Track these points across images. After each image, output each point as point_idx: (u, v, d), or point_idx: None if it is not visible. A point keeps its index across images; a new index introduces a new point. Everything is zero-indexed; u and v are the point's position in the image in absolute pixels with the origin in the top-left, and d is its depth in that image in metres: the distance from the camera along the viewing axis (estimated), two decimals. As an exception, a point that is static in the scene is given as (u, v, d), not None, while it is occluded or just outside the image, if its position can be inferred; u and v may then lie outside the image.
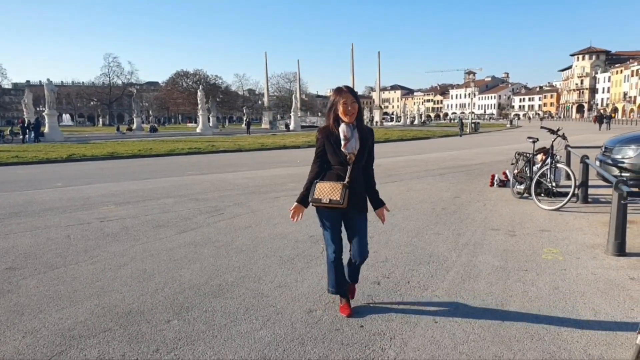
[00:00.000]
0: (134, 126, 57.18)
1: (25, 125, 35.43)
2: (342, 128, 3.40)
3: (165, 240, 6.12)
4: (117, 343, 3.30)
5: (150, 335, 3.42)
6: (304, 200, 3.51)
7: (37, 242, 6.10)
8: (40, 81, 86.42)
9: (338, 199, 3.36)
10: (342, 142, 3.38)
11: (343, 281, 3.73)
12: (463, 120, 46.47)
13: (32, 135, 34.23)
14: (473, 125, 49.69)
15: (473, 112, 60.17)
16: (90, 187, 11.33)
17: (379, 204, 3.64)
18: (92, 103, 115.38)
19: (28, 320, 3.71)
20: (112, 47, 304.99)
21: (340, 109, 3.37)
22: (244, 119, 68.30)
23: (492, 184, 10.36)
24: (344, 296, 3.77)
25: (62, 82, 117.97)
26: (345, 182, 3.40)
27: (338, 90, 3.45)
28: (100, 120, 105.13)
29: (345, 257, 3.73)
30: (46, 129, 36.24)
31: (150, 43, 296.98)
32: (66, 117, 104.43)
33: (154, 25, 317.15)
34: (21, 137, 34.35)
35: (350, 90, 3.44)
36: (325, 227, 3.60)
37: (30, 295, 4.25)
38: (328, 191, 3.42)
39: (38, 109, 52.63)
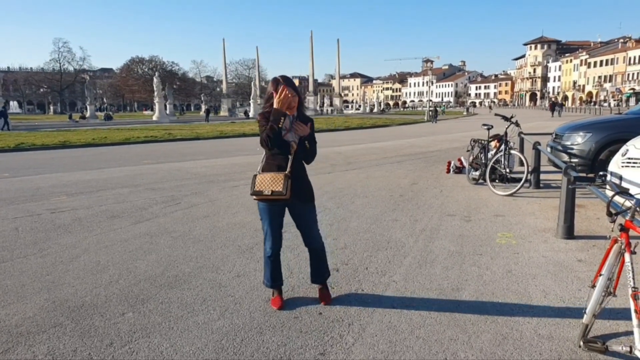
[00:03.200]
0: (88, 114, 55.13)
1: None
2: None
3: (119, 231, 5.95)
4: (68, 338, 3.19)
5: (104, 328, 3.32)
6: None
7: (-18, 235, 5.81)
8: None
9: (280, 189, 3.27)
10: (283, 132, 3.31)
11: (278, 276, 3.70)
12: (437, 109, 50.85)
13: (3, 122, 32.52)
14: (431, 113, 50.51)
15: (431, 100, 61.20)
16: (41, 177, 10.87)
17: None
18: (41, 90, 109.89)
19: (-29, 318, 3.52)
20: (62, 31, 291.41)
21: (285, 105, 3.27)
22: (203, 106, 66.97)
23: (448, 171, 10.58)
24: (276, 289, 3.73)
25: (8, 67, 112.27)
26: (287, 172, 3.32)
27: (276, 82, 3.35)
28: (51, 108, 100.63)
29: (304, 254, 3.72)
30: (-9, 117, 34.36)
31: (104, 28, 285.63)
32: (14, 105, 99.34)
33: (107, 10, 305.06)
34: None
35: (288, 82, 3.34)
36: (265, 221, 3.52)
37: (-27, 291, 4.04)
38: (269, 182, 3.32)
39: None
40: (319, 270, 3.75)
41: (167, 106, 55.90)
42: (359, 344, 3.09)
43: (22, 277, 4.37)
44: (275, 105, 3.25)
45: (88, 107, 55.58)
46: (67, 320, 3.45)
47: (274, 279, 3.67)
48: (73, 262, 4.76)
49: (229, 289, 4.02)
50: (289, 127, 3.33)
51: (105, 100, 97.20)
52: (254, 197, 3.41)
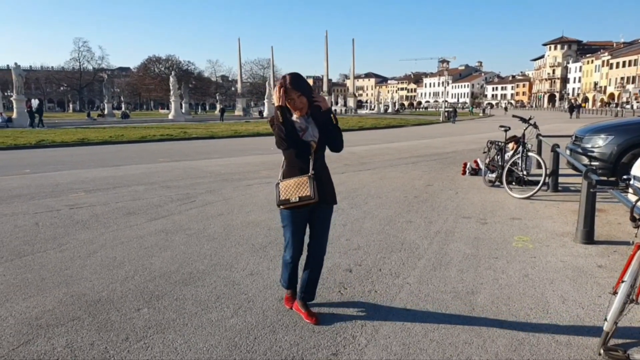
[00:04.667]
0: (105, 112, 55.91)
1: (34, 110, 34.49)
2: (295, 119, 3.18)
3: (135, 227, 6.01)
4: (85, 332, 3.24)
5: (120, 323, 3.36)
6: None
7: (4, 229, 5.92)
8: (7, 65, 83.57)
9: (308, 194, 3.09)
10: (299, 133, 3.16)
11: (295, 278, 3.56)
12: (456, 109, 52.53)
13: (38, 119, 33.77)
14: (446, 114, 50.11)
15: (446, 101, 60.76)
16: (60, 173, 11.03)
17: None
18: (62, 88, 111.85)
19: (-7, 310, 3.60)
20: (82, 31, 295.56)
21: (289, 104, 3.14)
22: (217, 105, 67.40)
23: (464, 172, 10.49)
24: (292, 289, 3.61)
25: (30, 66, 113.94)
26: (310, 174, 3.14)
27: (283, 79, 3.16)
28: (71, 106, 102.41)
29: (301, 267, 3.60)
30: (14, 115, 35.11)
31: (122, 27, 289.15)
32: (35, 103, 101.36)
33: (125, 9, 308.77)
34: (29, 121, 33.44)
35: (295, 83, 3.11)
36: (289, 228, 3.29)
37: (-6, 284, 4.13)
38: (294, 188, 3.13)
39: (6, 93, 50.80)
40: (314, 284, 3.49)
41: (183, 105, 56.35)
42: (371, 345, 3.07)
43: (42, 270, 4.44)
44: (275, 103, 3.13)
45: (106, 105, 56.36)
46: (85, 314, 3.50)
47: (291, 280, 3.57)
48: (90, 258, 4.83)
49: (243, 287, 4.03)
50: (304, 127, 3.19)
51: (122, 98, 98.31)
52: (281, 206, 3.22)
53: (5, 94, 50.64)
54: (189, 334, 3.22)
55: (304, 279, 3.46)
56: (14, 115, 35.00)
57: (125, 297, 3.82)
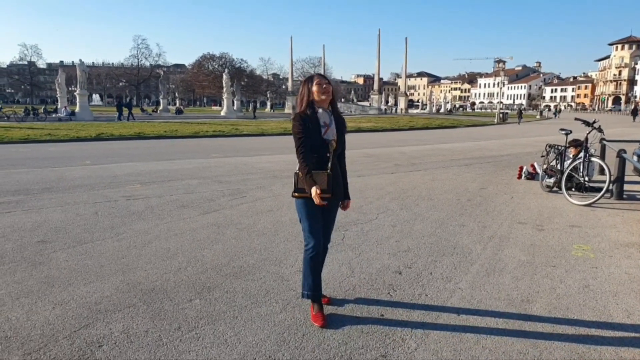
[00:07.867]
0: (161, 107, 57.87)
1: (124, 103, 37.28)
2: (320, 114, 3.26)
3: (188, 220, 6.17)
4: (140, 319, 3.35)
5: (173, 313, 3.45)
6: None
7: (67, 217, 6.24)
8: (73, 62, 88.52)
9: (325, 187, 3.20)
10: (322, 130, 3.24)
11: (320, 283, 3.44)
12: (521, 110, 51.10)
13: (128, 113, 37.41)
14: (501, 115, 48.58)
15: (502, 102, 58.80)
16: (118, 165, 11.52)
17: (347, 196, 3.55)
18: (120, 84, 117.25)
19: (58, 292, 3.80)
20: (141, 29, 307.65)
21: (315, 89, 3.25)
22: (268, 103, 68.15)
23: (519, 177, 10.12)
24: (318, 302, 3.44)
25: (93, 62, 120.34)
26: (329, 171, 3.25)
27: (309, 77, 3.36)
28: (128, 100, 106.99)
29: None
30: (77, 108, 37.00)
31: (178, 25, 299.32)
32: (96, 97, 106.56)
33: (182, 8, 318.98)
34: (117, 114, 36.65)
35: (322, 75, 3.37)
36: (306, 217, 3.32)
37: (60, 268, 4.36)
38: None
39: (70, 88, 53.69)
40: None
41: (235, 102, 57.43)
42: (421, 349, 3.01)
43: (100, 258, 4.64)
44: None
45: (161, 100, 58.35)
46: (140, 302, 3.63)
47: (317, 287, 3.40)
48: (145, 248, 5.00)
49: (291, 283, 4.05)
50: (328, 122, 3.27)
51: (177, 94, 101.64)
52: (297, 194, 3.32)
53: (69, 89, 53.40)
54: (238, 326, 3.26)
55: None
56: (77, 109, 36.85)
57: (178, 288, 3.93)
